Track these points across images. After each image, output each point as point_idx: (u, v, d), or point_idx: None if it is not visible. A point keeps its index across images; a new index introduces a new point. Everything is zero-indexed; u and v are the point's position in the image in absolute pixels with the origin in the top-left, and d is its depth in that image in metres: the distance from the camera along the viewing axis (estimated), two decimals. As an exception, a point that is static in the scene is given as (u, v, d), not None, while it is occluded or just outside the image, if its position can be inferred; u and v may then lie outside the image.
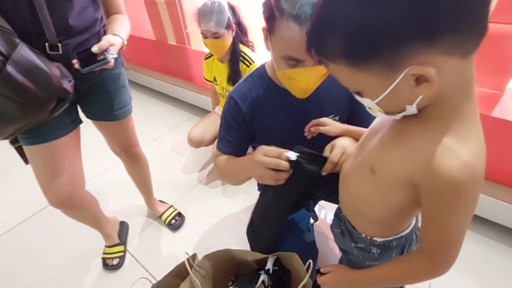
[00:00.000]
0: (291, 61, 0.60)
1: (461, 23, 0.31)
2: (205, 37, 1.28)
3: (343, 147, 0.64)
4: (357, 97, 0.43)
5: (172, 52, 2.22)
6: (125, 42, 0.87)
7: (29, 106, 0.68)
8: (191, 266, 0.78)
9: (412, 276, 0.52)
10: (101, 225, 1.20)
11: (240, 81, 0.80)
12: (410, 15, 0.30)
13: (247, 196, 1.54)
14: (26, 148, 0.85)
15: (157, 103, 2.50)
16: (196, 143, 1.55)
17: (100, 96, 0.94)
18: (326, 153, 0.65)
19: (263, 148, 0.63)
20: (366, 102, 0.42)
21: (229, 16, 1.24)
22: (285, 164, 0.59)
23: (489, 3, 0.31)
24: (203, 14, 1.21)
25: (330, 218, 1.41)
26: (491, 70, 1.16)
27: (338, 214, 0.70)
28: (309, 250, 0.91)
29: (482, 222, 1.28)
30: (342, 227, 0.67)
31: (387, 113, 0.42)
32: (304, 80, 0.64)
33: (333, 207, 1.10)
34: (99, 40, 0.79)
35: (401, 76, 0.35)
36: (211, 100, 1.77)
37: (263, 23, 0.64)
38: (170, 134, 2.09)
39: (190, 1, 1.90)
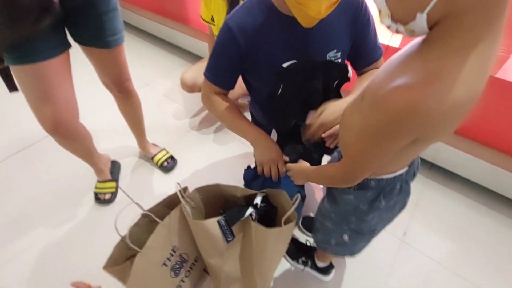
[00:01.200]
0: None
1: None
2: None
3: (323, 118, 0.73)
4: None
5: (168, -10, 2.05)
6: None
7: (10, 14, 0.63)
8: (182, 197, 0.80)
9: (332, 179, 0.62)
10: (93, 159, 1.21)
11: (238, 6, 0.74)
12: None
13: (239, 144, 1.55)
14: (14, 69, 0.81)
15: (150, 47, 2.37)
16: (189, 87, 1.50)
17: (89, 17, 0.87)
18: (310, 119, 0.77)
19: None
20: (377, 1, 0.40)
21: None
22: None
23: None
24: None
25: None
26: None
27: (340, 150, 0.73)
28: (297, 192, 0.94)
29: (462, 182, 1.34)
30: (336, 160, 0.70)
31: (395, 19, 0.40)
32: (315, 8, 0.60)
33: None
34: None
35: None
36: (208, 45, 1.68)
37: None
38: (162, 80, 2.02)
39: None
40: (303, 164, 0.76)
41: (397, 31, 0.42)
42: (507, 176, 1.16)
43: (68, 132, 0.97)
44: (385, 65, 0.47)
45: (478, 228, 1.22)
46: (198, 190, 0.87)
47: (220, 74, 0.82)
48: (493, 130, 1.21)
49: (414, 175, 0.65)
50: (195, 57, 2.18)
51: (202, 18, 1.51)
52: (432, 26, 0.37)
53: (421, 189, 1.35)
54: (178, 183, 0.80)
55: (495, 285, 1.05)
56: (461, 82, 0.36)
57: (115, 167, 1.37)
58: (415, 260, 1.11)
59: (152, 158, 1.41)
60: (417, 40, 0.42)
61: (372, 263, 1.09)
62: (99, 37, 0.92)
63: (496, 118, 1.17)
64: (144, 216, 0.84)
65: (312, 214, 1.22)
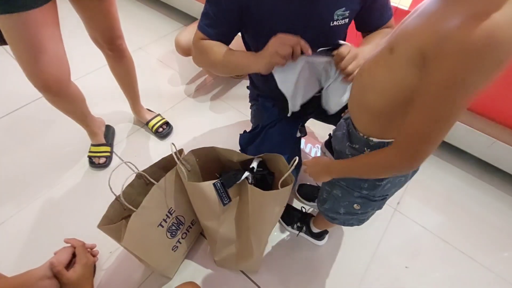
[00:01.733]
0: None
1: None
2: None
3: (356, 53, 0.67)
4: None
5: None
6: None
7: None
8: (177, 159, 0.79)
9: (381, 167, 0.53)
10: (87, 122, 1.18)
11: None
12: None
13: (235, 112, 1.52)
14: (0, 20, 0.75)
15: (143, 8, 2.23)
16: (184, 50, 1.43)
17: None
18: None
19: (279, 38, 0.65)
20: None
21: None
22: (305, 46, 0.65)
23: None
24: None
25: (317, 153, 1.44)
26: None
27: (346, 118, 0.68)
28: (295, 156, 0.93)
29: (463, 156, 1.35)
30: (344, 130, 0.66)
31: None
32: None
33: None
34: None
35: None
36: (205, 6, 1.59)
37: None
38: (157, 43, 1.92)
39: None
40: (323, 159, 0.69)
41: None
42: (504, 148, 1.16)
43: (60, 90, 0.93)
44: (419, 12, 0.43)
45: (469, 199, 1.24)
46: (194, 152, 0.85)
47: (216, 25, 0.74)
48: (491, 101, 1.18)
49: None
50: (191, 19, 2.06)
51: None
52: None
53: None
54: (173, 144, 0.78)
55: (484, 253, 1.08)
56: None
57: (109, 131, 1.34)
58: (407, 227, 1.14)
59: (147, 123, 1.38)
60: None
61: (364, 229, 1.11)
62: None
63: (495, 88, 1.14)
64: (138, 177, 0.83)
65: (308, 183, 1.22)
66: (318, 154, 1.38)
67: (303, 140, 1.40)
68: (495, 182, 1.29)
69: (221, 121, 1.48)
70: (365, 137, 0.59)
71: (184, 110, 1.52)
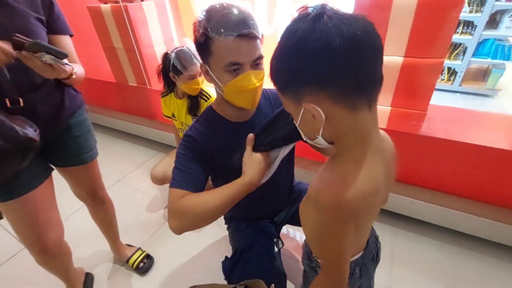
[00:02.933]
0: (233, 67, 0.70)
1: (338, 81, 0.42)
2: (193, 78, 1.36)
3: None
4: None
5: (134, 93, 2.27)
6: (74, 76, 0.86)
7: None
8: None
9: None
10: (69, 276, 1.16)
11: (193, 123, 0.86)
12: (299, 68, 0.44)
13: (216, 228, 1.55)
14: (1, 205, 0.84)
15: (120, 143, 2.47)
16: (159, 180, 1.57)
17: (67, 142, 0.96)
18: None
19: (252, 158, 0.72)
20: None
21: None
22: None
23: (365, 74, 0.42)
24: (189, 56, 1.33)
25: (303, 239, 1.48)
26: (413, 95, 1.37)
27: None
28: (275, 276, 0.96)
29: (432, 228, 1.43)
30: (305, 248, 0.74)
31: (306, 137, 0.53)
32: (250, 82, 0.72)
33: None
34: (62, 93, 0.87)
35: (302, 109, 0.46)
36: (174, 136, 1.82)
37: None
38: (135, 173, 2.07)
39: (147, 45, 2.00)
40: None
41: (313, 144, 0.54)
42: (460, 216, 1.28)
43: (58, 252, 0.99)
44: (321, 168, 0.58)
45: (455, 269, 1.27)
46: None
47: (191, 175, 0.78)
48: (435, 176, 1.37)
49: (375, 259, 0.71)
50: (164, 146, 2.30)
51: (164, 115, 1.68)
52: (332, 142, 0.50)
53: (393, 241, 1.41)
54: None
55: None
56: (364, 178, 0.48)
57: (88, 280, 1.29)
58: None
59: (127, 261, 1.36)
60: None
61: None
62: (76, 157, 1.00)
63: (432, 165, 1.35)
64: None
65: (298, 290, 1.20)
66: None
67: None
68: (476, 247, 1.35)
69: (203, 240, 1.50)
70: (316, 259, 0.67)
71: (164, 237, 1.54)
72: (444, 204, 1.31)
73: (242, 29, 0.66)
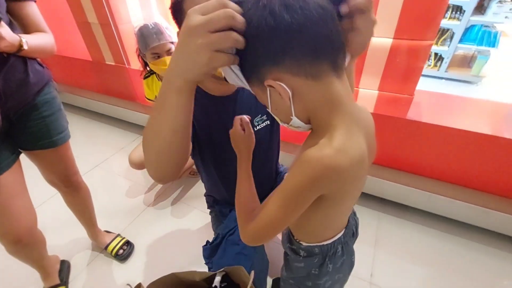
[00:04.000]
0: None
1: (290, 51, 0.40)
2: (158, 56, 1.26)
3: None
4: None
5: (112, 72, 2.14)
6: (25, 47, 0.77)
7: None
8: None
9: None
10: (43, 264, 1.10)
11: None
12: (258, 46, 0.41)
13: (197, 213, 1.53)
14: None
15: (99, 126, 2.36)
16: (138, 165, 1.50)
17: (34, 122, 0.88)
18: None
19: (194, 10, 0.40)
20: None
21: None
22: (235, 7, 0.40)
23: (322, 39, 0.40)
24: (152, 33, 1.21)
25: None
26: (400, 78, 1.34)
27: None
28: (258, 263, 0.94)
29: (416, 212, 1.45)
30: (286, 230, 0.72)
31: (282, 121, 0.50)
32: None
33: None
34: (25, 68, 0.80)
35: (268, 89, 0.44)
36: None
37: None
38: (116, 157, 1.98)
39: (125, 21, 1.86)
40: None
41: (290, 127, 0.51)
42: (444, 201, 1.29)
43: (31, 240, 0.94)
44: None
45: (439, 253, 1.29)
46: (154, 284, 0.82)
47: None
48: (419, 161, 1.37)
49: (354, 235, 0.70)
50: (146, 130, 2.20)
51: (147, 98, 1.59)
52: (309, 120, 0.48)
53: (377, 225, 1.43)
54: (129, 285, 0.75)
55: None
56: (348, 145, 0.44)
57: (64, 267, 1.24)
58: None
59: (106, 247, 1.31)
60: None
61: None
62: (45, 139, 0.92)
63: (418, 150, 1.34)
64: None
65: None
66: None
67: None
68: (456, 231, 1.37)
69: (184, 226, 1.46)
70: (297, 241, 0.65)
71: (144, 223, 1.49)
72: (428, 189, 1.32)
73: None
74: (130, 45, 1.90)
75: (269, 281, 1.18)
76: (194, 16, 0.39)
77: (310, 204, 0.48)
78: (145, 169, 1.57)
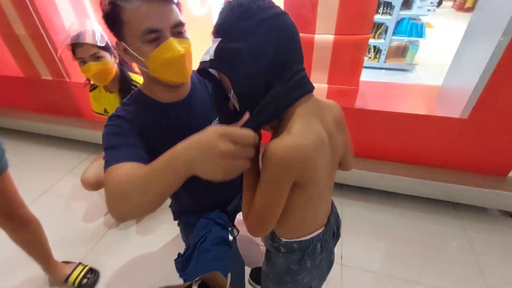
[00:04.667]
0: (151, 35, 0.63)
1: None
2: (83, 61, 1.16)
3: None
4: None
5: (49, 88, 1.95)
6: None
7: None
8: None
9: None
10: None
11: (118, 107, 0.76)
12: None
13: (166, 227, 1.47)
14: None
15: (41, 149, 2.13)
16: (92, 185, 1.36)
17: None
18: None
19: (224, 132, 0.45)
20: None
21: (107, 41, 1.18)
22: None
23: None
24: (77, 35, 1.11)
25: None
26: (345, 71, 1.44)
27: None
28: (233, 266, 0.94)
29: (373, 193, 1.57)
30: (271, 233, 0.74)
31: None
32: (174, 49, 0.65)
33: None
34: None
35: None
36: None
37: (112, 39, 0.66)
38: (65, 180, 1.81)
39: (59, 31, 1.71)
40: None
41: None
42: (394, 179, 1.42)
43: None
44: None
45: (396, 226, 1.42)
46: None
47: (124, 151, 0.65)
48: (371, 145, 1.49)
49: (335, 236, 0.74)
50: (97, 147, 2.05)
51: (94, 111, 1.48)
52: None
53: (341, 211, 1.52)
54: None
55: (428, 275, 1.20)
56: (304, 131, 0.51)
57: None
58: (360, 278, 1.21)
59: (67, 280, 1.19)
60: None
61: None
62: None
63: (368, 136, 1.46)
64: None
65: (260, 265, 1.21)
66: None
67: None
68: (410, 205, 1.52)
69: (153, 243, 1.39)
70: (278, 237, 0.67)
71: (108, 246, 1.39)
72: (382, 170, 1.44)
73: None
74: (69, 56, 1.75)
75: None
76: (224, 143, 0.44)
77: (288, 193, 0.54)
78: (101, 190, 1.46)
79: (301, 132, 0.50)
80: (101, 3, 0.64)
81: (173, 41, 0.65)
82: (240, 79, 0.50)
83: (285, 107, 0.52)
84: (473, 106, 1.22)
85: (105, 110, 1.42)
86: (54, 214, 1.56)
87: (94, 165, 1.44)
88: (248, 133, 0.45)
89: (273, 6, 0.50)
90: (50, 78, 1.89)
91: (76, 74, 1.86)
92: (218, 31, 0.51)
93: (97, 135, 1.94)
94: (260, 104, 0.51)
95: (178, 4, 0.67)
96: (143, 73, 0.73)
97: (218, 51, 0.50)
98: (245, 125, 0.50)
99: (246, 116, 0.50)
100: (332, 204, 0.73)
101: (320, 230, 0.67)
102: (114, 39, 0.69)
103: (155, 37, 0.64)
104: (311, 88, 0.54)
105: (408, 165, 1.47)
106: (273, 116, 0.52)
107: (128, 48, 0.66)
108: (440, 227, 1.41)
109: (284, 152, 0.49)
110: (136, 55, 0.66)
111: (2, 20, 1.71)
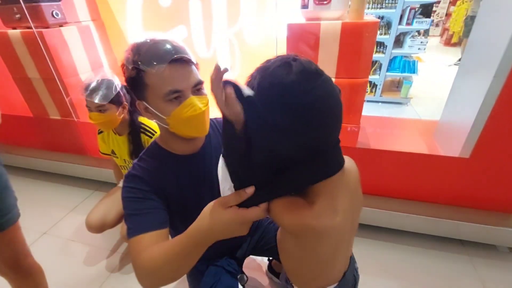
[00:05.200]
0: (174, 95, 0.67)
1: None
2: (89, 110, 1.23)
3: None
4: None
5: (57, 127, 1.99)
6: None
7: None
8: None
9: None
10: None
11: (135, 161, 0.77)
12: None
13: (171, 270, 1.42)
14: None
15: (44, 186, 2.12)
16: (97, 228, 1.34)
17: None
18: None
19: (245, 221, 0.52)
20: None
21: (119, 93, 1.23)
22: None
23: None
24: (88, 88, 1.19)
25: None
26: (347, 111, 1.50)
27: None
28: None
29: (376, 230, 1.55)
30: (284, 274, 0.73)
31: None
32: (196, 107, 0.69)
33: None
34: None
35: None
36: (113, 172, 1.63)
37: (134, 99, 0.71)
38: (67, 219, 1.78)
39: (71, 74, 1.79)
40: None
41: None
42: (400, 216, 1.42)
43: None
44: None
45: (408, 267, 1.38)
46: None
47: (147, 218, 0.68)
48: (375, 183, 1.50)
49: None
50: (101, 184, 2.05)
51: (101, 152, 1.50)
52: None
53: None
54: None
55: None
56: (329, 211, 0.51)
57: None
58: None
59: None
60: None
61: None
62: None
63: (373, 173, 1.48)
64: None
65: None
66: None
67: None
68: (406, 241, 1.49)
69: (157, 287, 1.34)
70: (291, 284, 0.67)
71: (111, 291, 1.34)
72: (389, 208, 1.43)
73: (173, 56, 0.65)
74: (78, 97, 1.81)
75: None
76: (247, 227, 0.54)
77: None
78: (105, 231, 1.43)
79: (324, 210, 0.50)
80: (123, 66, 0.69)
81: (194, 99, 0.69)
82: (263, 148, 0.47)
83: (309, 185, 0.51)
84: (475, 145, 1.25)
85: (113, 152, 1.44)
86: (53, 257, 1.51)
87: (100, 205, 1.43)
88: (262, 214, 0.52)
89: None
90: (58, 117, 1.94)
91: (83, 114, 1.92)
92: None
93: (101, 173, 1.95)
94: (280, 178, 0.49)
95: (196, 65, 0.72)
96: (162, 128, 0.76)
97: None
98: (260, 196, 0.50)
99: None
100: (351, 260, 0.72)
101: (334, 285, 0.66)
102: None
103: (177, 96, 0.67)
104: (342, 164, 0.53)
105: (414, 202, 1.47)
106: (295, 191, 0.53)
107: (149, 107, 0.69)
108: (450, 265, 1.37)
109: (304, 230, 0.51)
110: (157, 113, 0.69)
111: (15, 64, 1.80)
